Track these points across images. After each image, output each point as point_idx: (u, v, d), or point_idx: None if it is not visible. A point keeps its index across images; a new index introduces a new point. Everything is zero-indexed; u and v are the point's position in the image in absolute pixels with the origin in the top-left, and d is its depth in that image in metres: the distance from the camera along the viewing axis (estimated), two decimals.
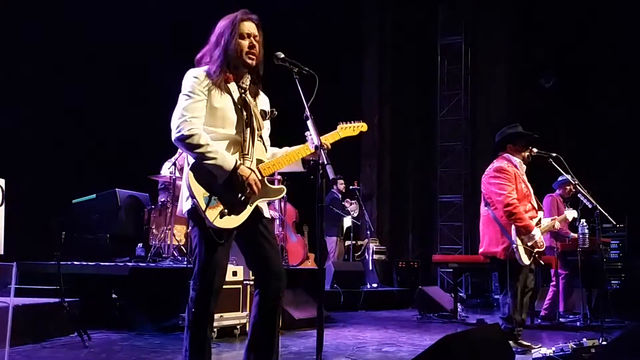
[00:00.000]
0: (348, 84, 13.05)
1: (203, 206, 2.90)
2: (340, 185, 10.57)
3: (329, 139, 3.25)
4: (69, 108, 8.42)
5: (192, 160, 2.98)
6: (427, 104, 13.49)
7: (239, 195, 2.99)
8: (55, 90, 8.28)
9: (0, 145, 7.20)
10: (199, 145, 2.91)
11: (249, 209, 3.04)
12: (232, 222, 2.98)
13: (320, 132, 3.05)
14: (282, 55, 3.07)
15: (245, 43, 3.06)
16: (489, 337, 2.41)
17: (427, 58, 13.31)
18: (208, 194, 2.93)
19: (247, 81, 3.15)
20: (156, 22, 9.16)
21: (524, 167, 5.48)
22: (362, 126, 3.44)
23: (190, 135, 2.91)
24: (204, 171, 2.95)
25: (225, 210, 2.95)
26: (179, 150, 7.46)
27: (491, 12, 12.97)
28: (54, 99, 8.27)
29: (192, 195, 2.91)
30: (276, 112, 3.26)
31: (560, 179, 7.82)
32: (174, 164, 7.19)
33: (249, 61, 3.08)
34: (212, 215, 2.92)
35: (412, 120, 13.71)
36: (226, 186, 2.97)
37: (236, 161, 2.98)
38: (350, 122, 3.41)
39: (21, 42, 7.78)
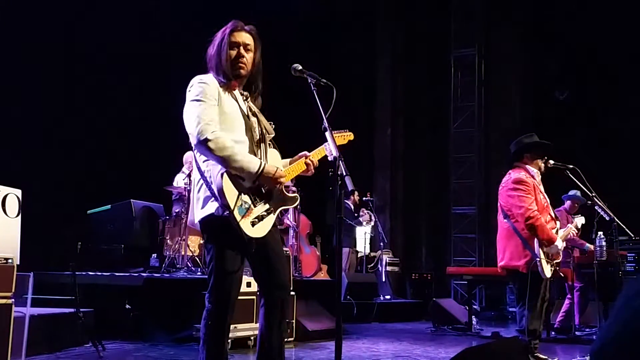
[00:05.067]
0: (361, 95, 13.08)
1: (238, 217, 2.86)
2: (355, 196, 10.54)
3: (322, 151, 3.24)
4: (83, 119, 8.48)
5: (218, 167, 2.93)
6: (440, 115, 13.48)
7: (262, 206, 2.97)
8: (70, 101, 8.35)
9: (16, 156, 7.26)
10: (225, 148, 2.87)
11: (272, 217, 3.03)
12: (261, 230, 2.96)
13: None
14: (300, 67, 3.08)
15: (233, 53, 3.07)
16: (509, 350, 2.39)
17: (440, 70, 13.32)
18: (240, 204, 2.89)
19: (239, 87, 3.16)
20: (171, 34, 9.23)
21: (540, 177, 5.43)
22: (349, 135, 3.55)
23: (215, 138, 2.86)
24: (233, 175, 2.91)
25: (256, 219, 2.93)
26: (189, 161, 7.50)
27: (504, 23, 12.98)
28: (68, 110, 8.33)
29: (226, 205, 2.84)
30: (273, 125, 3.26)
31: (570, 193, 7.78)
32: (189, 175, 7.21)
33: (237, 70, 3.09)
34: (245, 225, 2.89)
35: (425, 132, 13.70)
36: (253, 188, 2.96)
37: (261, 162, 2.96)
38: (340, 131, 3.48)
39: (37, 54, 7.85)
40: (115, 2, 8.74)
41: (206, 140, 2.86)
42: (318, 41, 11.14)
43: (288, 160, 3.26)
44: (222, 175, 2.89)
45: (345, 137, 3.51)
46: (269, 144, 3.18)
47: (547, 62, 12.24)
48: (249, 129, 3.07)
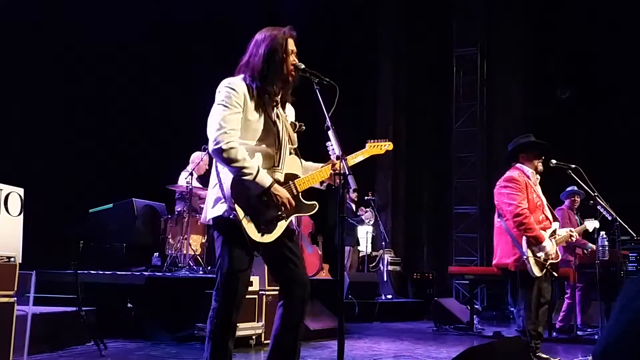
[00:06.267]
0: (363, 95, 13.06)
1: (245, 221, 2.87)
2: (353, 194, 10.52)
3: (358, 156, 3.30)
4: (86, 118, 8.49)
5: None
6: (442, 114, 13.46)
7: (271, 213, 2.98)
8: (72, 100, 8.36)
9: (19, 155, 7.27)
10: (236, 160, 2.87)
11: (284, 224, 3.03)
12: (269, 236, 2.97)
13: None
14: (303, 66, 3.07)
15: (290, 60, 3.07)
16: (511, 350, 2.39)
17: (442, 69, 13.30)
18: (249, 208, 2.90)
19: (279, 95, 3.13)
20: (172, 34, 9.23)
21: (537, 177, 5.37)
22: (389, 145, 3.50)
23: (229, 149, 2.87)
24: (242, 184, 2.92)
25: (264, 226, 2.94)
26: (194, 160, 7.50)
27: (506, 22, 12.95)
28: (71, 109, 8.34)
29: (232, 207, 2.87)
30: (304, 127, 3.25)
31: (567, 189, 7.78)
32: (191, 173, 7.21)
33: (291, 78, 3.09)
34: (251, 229, 2.90)
35: (428, 131, 13.69)
36: (260, 202, 2.95)
37: (272, 181, 2.95)
38: (378, 140, 3.45)
39: (37, 54, 7.86)
40: (116, 2, 8.75)
41: (220, 149, 2.87)
42: (319, 41, 11.13)
43: (320, 165, 3.24)
44: (233, 179, 2.91)
45: (383, 147, 3.48)
46: (291, 152, 3.16)
47: (549, 62, 12.22)
48: (271, 136, 3.05)
